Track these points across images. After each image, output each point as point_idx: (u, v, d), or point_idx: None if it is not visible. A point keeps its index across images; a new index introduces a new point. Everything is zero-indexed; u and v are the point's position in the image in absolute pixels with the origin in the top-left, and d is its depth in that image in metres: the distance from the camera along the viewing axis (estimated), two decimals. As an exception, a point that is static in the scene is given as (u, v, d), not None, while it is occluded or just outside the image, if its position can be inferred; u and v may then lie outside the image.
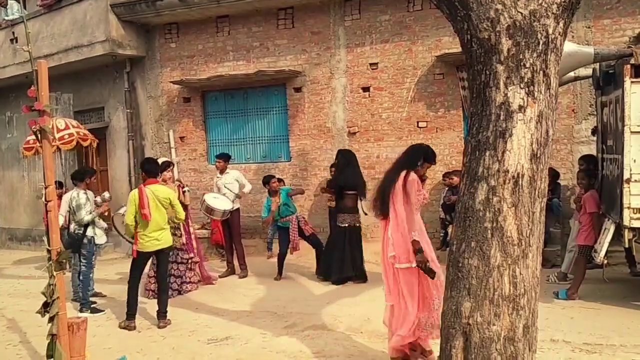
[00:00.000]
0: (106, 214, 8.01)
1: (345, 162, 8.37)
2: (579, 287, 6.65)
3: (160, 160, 8.13)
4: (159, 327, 6.32)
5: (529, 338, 3.32)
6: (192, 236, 8.37)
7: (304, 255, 9.75)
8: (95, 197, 7.69)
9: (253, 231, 10.91)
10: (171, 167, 8.09)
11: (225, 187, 9.01)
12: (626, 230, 5.94)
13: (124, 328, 6.34)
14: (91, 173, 7.72)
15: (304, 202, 10.65)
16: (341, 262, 8.08)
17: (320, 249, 8.62)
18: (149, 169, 6.65)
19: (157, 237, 6.40)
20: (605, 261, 6.35)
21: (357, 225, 8.28)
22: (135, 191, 6.47)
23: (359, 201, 8.37)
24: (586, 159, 7.45)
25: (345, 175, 8.28)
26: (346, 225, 8.18)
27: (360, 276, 8.16)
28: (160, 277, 6.61)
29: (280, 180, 9.30)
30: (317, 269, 8.63)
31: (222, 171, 9.17)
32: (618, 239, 6.22)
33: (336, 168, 8.57)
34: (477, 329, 3.27)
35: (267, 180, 8.77)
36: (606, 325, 5.62)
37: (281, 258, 8.60)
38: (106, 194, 7.90)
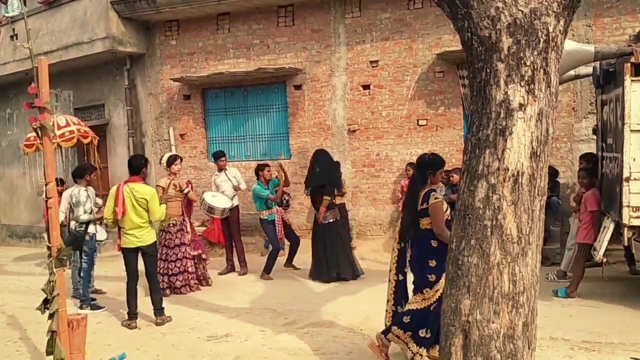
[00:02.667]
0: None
1: (311, 165, 8.46)
2: (578, 285, 6.66)
3: (167, 155, 8.16)
4: (157, 324, 6.33)
5: (528, 336, 3.32)
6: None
7: (304, 252, 9.78)
8: (96, 194, 7.71)
9: (253, 228, 10.92)
10: (179, 160, 8.08)
11: (222, 185, 9.01)
12: (625, 229, 5.94)
13: (125, 327, 6.36)
14: (90, 170, 7.71)
15: (304, 200, 10.64)
16: (320, 261, 8.16)
17: (296, 243, 8.85)
18: (133, 166, 6.61)
19: (136, 235, 6.37)
20: (605, 259, 6.37)
21: (337, 219, 8.27)
22: (114, 188, 6.49)
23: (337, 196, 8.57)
24: (586, 158, 7.45)
25: (311, 179, 8.38)
26: (331, 221, 8.19)
27: (349, 272, 8.11)
28: (148, 277, 6.56)
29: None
30: (287, 261, 8.87)
31: (221, 169, 9.18)
32: (617, 238, 6.23)
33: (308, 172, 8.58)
34: (476, 327, 3.27)
35: (261, 168, 8.75)
36: (605, 323, 5.64)
37: (274, 254, 8.54)
38: (99, 200, 7.89)
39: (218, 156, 9.25)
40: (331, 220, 8.19)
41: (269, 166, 8.90)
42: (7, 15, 13.13)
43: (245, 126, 11.39)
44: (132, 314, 6.40)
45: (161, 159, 8.20)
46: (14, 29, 12.86)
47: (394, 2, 9.88)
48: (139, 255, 6.51)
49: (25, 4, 12.39)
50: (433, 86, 9.76)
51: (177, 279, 7.77)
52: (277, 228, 8.59)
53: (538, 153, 3.27)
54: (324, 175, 8.26)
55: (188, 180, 8.53)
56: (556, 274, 7.46)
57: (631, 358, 4.80)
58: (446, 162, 9.42)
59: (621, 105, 5.95)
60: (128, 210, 6.31)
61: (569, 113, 8.95)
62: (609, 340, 5.20)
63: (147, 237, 6.46)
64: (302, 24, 10.57)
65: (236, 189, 9.03)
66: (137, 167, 6.61)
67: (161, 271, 7.68)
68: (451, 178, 8.94)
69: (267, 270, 8.45)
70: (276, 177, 8.83)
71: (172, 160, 7.93)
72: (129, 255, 6.48)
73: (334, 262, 8.07)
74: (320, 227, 8.21)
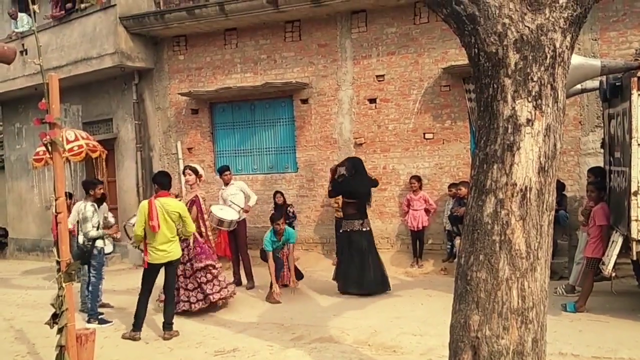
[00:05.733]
0: (117, 235, 8.04)
1: (354, 170, 8.32)
2: (587, 299, 6.63)
3: (191, 164, 8.07)
4: (164, 339, 6.33)
5: (537, 352, 3.31)
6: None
7: (311, 266, 9.76)
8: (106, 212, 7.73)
9: (259, 242, 10.89)
10: (188, 170, 7.84)
11: (229, 199, 9.02)
12: (634, 243, 5.91)
13: (128, 339, 6.35)
14: (95, 184, 7.72)
15: (311, 212, 10.67)
16: (359, 272, 7.95)
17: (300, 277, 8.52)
18: (161, 182, 6.71)
19: (167, 249, 6.44)
20: (614, 274, 6.33)
21: (358, 229, 8.17)
22: (145, 202, 6.53)
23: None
24: (594, 172, 7.43)
25: (351, 184, 8.23)
26: (347, 229, 8.19)
27: (382, 284, 8.04)
28: (166, 289, 6.62)
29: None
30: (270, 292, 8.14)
31: (227, 183, 9.21)
32: (626, 252, 6.20)
33: (344, 175, 8.38)
34: (485, 343, 3.26)
35: (274, 219, 8.22)
36: (614, 338, 5.59)
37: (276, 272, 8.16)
38: (111, 220, 7.85)
39: (222, 171, 9.31)
40: (366, 229, 8.20)
41: (281, 220, 8.27)
42: (17, 30, 13.29)
43: (252, 140, 11.44)
44: (138, 326, 6.40)
45: (197, 171, 8.01)
46: (23, 44, 12.99)
47: (400, 16, 9.94)
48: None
49: (35, 20, 12.53)
50: (439, 100, 9.78)
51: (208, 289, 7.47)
52: (284, 269, 8.30)
53: (546, 168, 3.29)
54: (362, 188, 8.31)
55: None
56: (565, 289, 7.42)
57: (642, 374, 4.76)
58: (453, 175, 9.56)
59: (628, 119, 5.95)
60: (161, 224, 6.37)
61: (576, 127, 8.94)
62: (619, 355, 5.16)
63: (176, 250, 6.57)
64: (308, 39, 10.65)
65: (246, 210, 9.06)
66: (166, 182, 6.71)
67: (190, 286, 7.39)
68: (458, 191, 8.94)
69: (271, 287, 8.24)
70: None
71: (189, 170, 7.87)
72: (155, 270, 6.52)
73: (374, 273, 8.00)
74: (358, 235, 8.11)
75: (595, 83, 7.06)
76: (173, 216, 6.45)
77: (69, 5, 12.20)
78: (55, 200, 4.51)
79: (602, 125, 8.06)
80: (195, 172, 7.75)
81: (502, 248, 3.26)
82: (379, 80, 10.19)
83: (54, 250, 4.65)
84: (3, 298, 9.14)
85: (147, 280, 6.50)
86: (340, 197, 9.35)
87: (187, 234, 6.78)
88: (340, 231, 8.43)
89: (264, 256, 8.33)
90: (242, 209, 8.97)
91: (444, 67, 9.55)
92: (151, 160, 12.21)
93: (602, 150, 7.88)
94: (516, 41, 3.23)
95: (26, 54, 12.86)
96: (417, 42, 9.87)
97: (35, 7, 4.84)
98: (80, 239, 7.34)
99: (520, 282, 3.25)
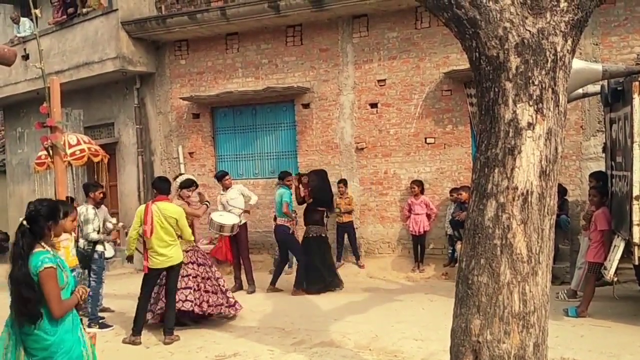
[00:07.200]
0: (118, 240, 8.08)
1: (321, 181, 8.88)
2: (588, 304, 6.61)
3: (185, 177, 8.06)
4: (165, 344, 6.31)
5: (539, 356, 3.30)
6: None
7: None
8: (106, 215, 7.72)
9: (260, 246, 10.92)
10: (194, 187, 7.53)
11: (229, 203, 9.03)
12: (636, 248, 5.90)
13: (128, 343, 6.33)
14: (95, 186, 7.72)
15: (312, 217, 10.65)
16: (320, 271, 8.56)
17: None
18: (160, 187, 6.71)
19: (167, 254, 6.39)
20: (615, 278, 6.32)
21: (324, 235, 8.86)
22: (142, 207, 6.53)
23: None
24: (596, 176, 7.42)
25: (322, 194, 8.82)
26: (313, 235, 8.72)
27: (336, 282, 8.71)
28: (168, 293, 6.59)
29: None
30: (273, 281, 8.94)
31: (226, 187, 9.21)
32: (628, 256, 6.18)
33: (312, 188, 8.81)
34: (487, 347, 3.25)
35: (283, 176, 9.04)
36: (616, 343, 5.57)
37: (304, 266, 8.69)
38: (109, 225, 7.75)
39: (221, 176, 9.31)
40: (316, 235, 8.73)
41: (291, 174, 9.23)
42: (19, 35, 13.32)
43: (253, 144, 11.44)
44: (137, 330, 6.39)
45: (176, 178, 8.03)
46: (25, 49, 13.02)
47: (402, 21, 9.96)
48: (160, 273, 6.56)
49: (37, 24, 12.55)
50: (440, 104, 9.78)
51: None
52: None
53: (547, 172, 3.28)
54: (330, 197, 9.12)
55: (200, 192, 8.21)
56: (566, 293, 7.40)
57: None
58: (454, 180, 9.56)
59: (630, 123, 5.94)
60: (157, 228, 6.33)
61: (577, 131, 8.94)
62: (621, 360, 5.15)
63: (176, 255, 6.49)
64: (310, 43, 10.67)
65: (248, 211, 9.20)
66: (165, 188, 6.71)
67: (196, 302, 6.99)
68: (459, 196, 8.93)
69: (297, 285, 8.56)
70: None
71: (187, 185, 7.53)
72: (155, 276, 6.52)
73: (323, 273, 8.57)
74: (309, 241, 8.71)
75: (596, 87, 7.06)
76: (170, 220, 6.42)
77: (71, 10, 12.24)
78: (56, 203, 4.50)
79: (603, 129, 8.06)
80: (196, 186, 7.70)
81: (503, 252, 3.25)
82: (380, 85, 10.20)
83: (55, 254, 4.64)
84: (4, 302, 9.11)
85: (147, 285, 6.49)
86: (343, 204, 9.90)
87: (187, 241, 6.67)
88: (311, 236, 8.76)
89: (290, 238, 8.86)
90: (243, 210, 8.99)
91: (445, 72, 9.56)
92: (152, 164, 12.21)
93: (603, 155, 7.87)
94: (517, 45, 3.22)
95: (28, 58, 12.88)
96: (418, 47, 9.88)
97: (37, 11, 4.85)
98: (81, 242, 7.33)
99: (521, 286, 3.24)
